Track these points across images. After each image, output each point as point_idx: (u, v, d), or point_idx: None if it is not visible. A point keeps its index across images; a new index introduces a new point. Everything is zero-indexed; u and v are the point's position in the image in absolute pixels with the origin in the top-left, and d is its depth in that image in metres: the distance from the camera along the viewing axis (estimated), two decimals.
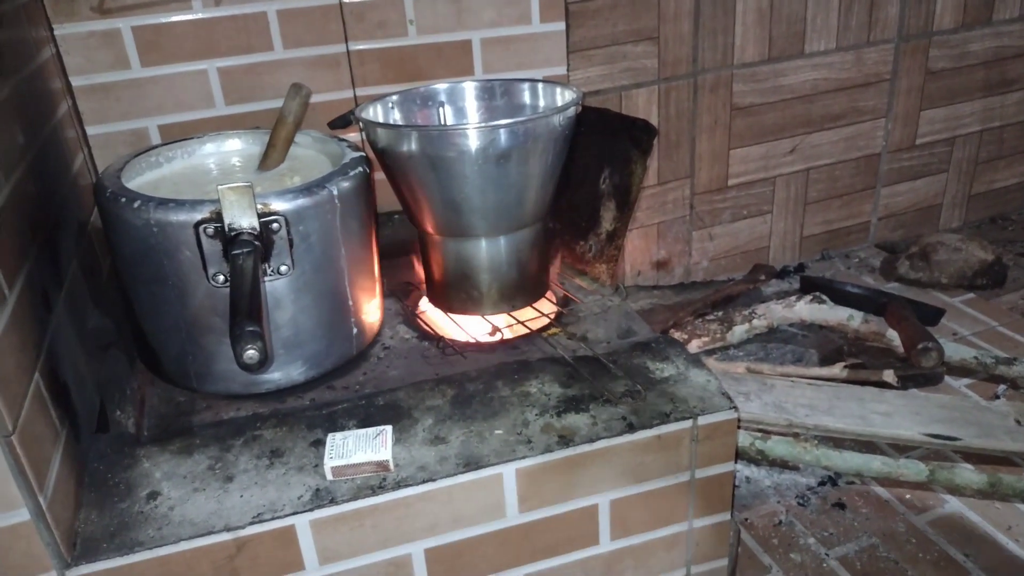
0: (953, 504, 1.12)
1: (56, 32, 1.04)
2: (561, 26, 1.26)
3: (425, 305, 1.08)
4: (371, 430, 0.80)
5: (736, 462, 0.89)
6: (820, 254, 1.75)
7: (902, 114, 1.66)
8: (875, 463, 1.09)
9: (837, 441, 1.16)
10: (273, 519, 0.74)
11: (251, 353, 0.60)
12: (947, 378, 1.34)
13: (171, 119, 1.13)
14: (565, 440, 0.81)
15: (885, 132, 1.67)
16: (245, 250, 0.73)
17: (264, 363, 0.60)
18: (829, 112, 1.59)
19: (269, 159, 0.96)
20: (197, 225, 0.75)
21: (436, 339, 1.01)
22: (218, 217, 0.75)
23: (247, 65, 1.13)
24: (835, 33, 1.52)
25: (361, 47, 1.18)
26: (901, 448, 1.18)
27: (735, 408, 0.85)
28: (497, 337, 1.01)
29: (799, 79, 1.54)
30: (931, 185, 1.78)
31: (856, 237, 1.77)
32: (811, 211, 1.69)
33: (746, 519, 1.11)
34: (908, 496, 1.13)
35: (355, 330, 0.92)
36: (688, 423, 0.84)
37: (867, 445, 1.17)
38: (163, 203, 0.77)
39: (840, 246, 1.76)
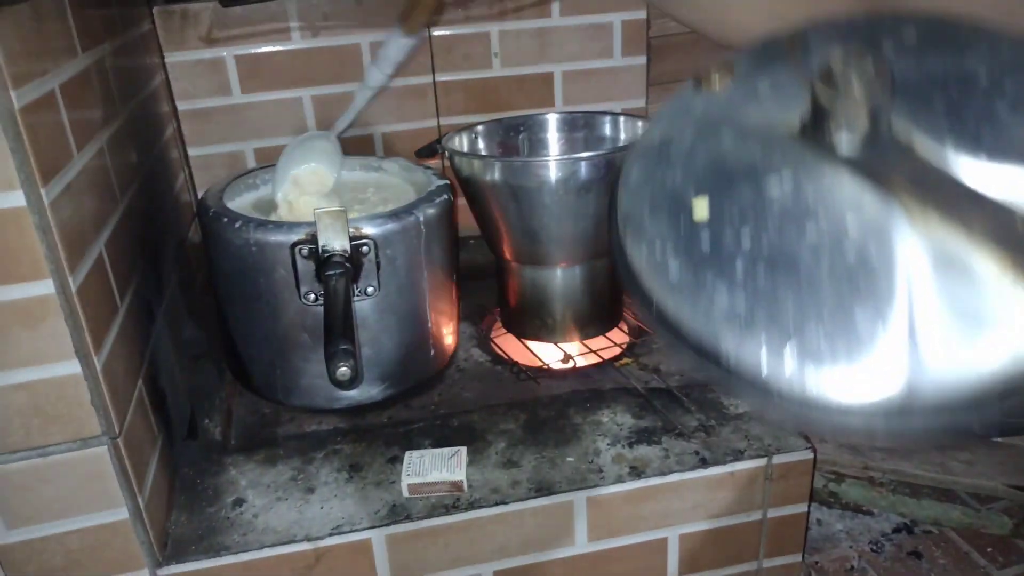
0: None
1: (167, 60, 1.11)
2: (642, 60, 1.28)
3: (499, 330, 1.10)
4: (446, 450, 0.82)
5: (810, 504, 0.88)
6: None
7: None
8: (955, 512, 1.06)
9: (914, 488, 1.13)
10: (351, 532, 0.76)
11: (343, 370, 0.63)
12: None
13: (266, 143, 1.19)
14: (637, 471, 0.82)
15: None
16: (338, 271, 0.76)
17: (355, 380, 0.63)
18: None
19: (413, 21, 0.97)
20: (293, 246, 0.79)
21: (509, 364, 1.03)
22: (313, 239, 0.79)
23: (339, 94, 1.18)
24: None
25: (447, 78, 1.22)
26: (983, 499, 1.14)
27: (812, 448, 0.84)
28: (570, 365, 1.02)
29: None
30: None
31: None
32: None
33: (816, 562, 1.09)
34: (989, 549, 1.09)
35: (432, 351, 0.95)
36: (762, 461, 0.83)
37: (946, 493, 1.14)
38: (262, 224, 0.81)
39: None
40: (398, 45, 0.95)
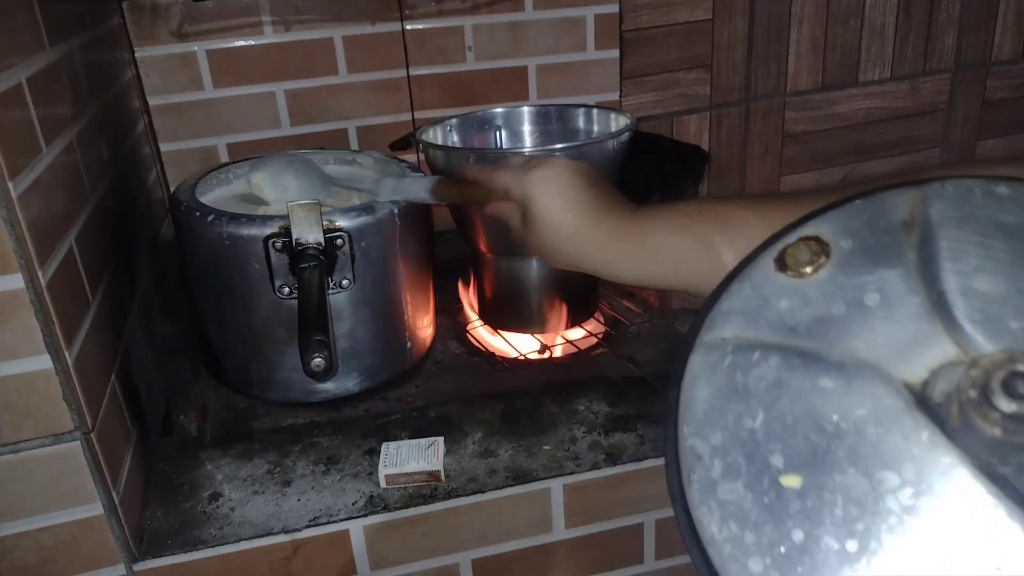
0: None
1: (137, 54, 1.10)
2: (615, 53, 1.29)
3: (475, 322, 1.11)
4: (423, 441, 0.83)
5: None
6: None
7: (958, 143, 1.64)
8: None
9: None
10: (329, 523, 0.76)
11: (318, 361, 0.63)
12: None
13: (239, 138, 1.19)
14: (612, 458, 0.83)
15: (940, 161, 1.65)
16: (312, 264, 0.76)
17: (330, 371, 0.63)
18: (883, 141, 1.59)
19: (447, 193, 0.87)
20: (267, 239, 0.79)
21: (486, 355, 1.03)
22: (286, 232, 0.79)
23: (312, 88, 1.18)
24: (890, 63, 1.52)
25: (421, 72, 1.22)
26: None
27: None
28: (546, 355, 1.03)
29: (852, 107, 1.54)
30: None
31: None
32: None
33: None
34: None
35: (409, 344, 0.95)
36: None
37: None
38: (235, 218, 0.81)
39: None
40: (414, 193, 0.83)
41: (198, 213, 0.83)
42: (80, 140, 0.77)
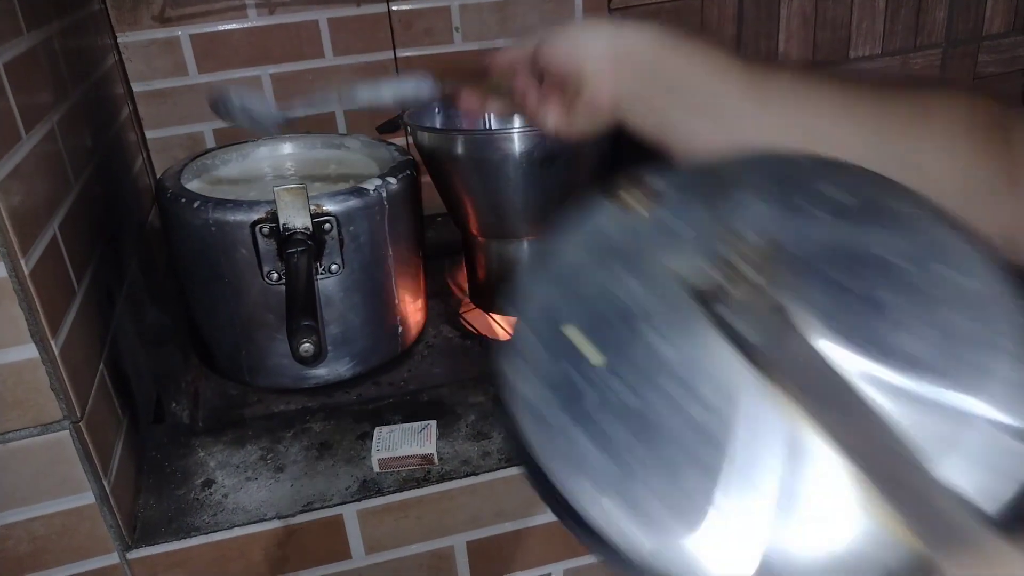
0: None
1: (119, 40, 1.09)
2: None
3: (467, 305, 1.10)
4: (416, 424, 0.83)
5: None
6: None
7: None
8: None
9: None
10: (322, 508, 0.76)
11: (307, 346, 0.62)
12: None
13: (225, 124, 1.17)
14: None
15: None
16: (299, 248, 0.76)
17: (319, 356, 0.63)
18: None
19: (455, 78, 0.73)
20: (254, 225, 0.78)
21: (478, 338, 1.03)
22: (273, 217, 0.78)
23: (298, 72, 1.17)
24: (881, 38, 1.51)
25: (408, 54, 1.21)
26: None
27: None
28: None
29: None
30: None
31: None
32: None
33: None
34: None
35: (400, 328, 0.95)
36: None
37: None
38: (221, 203, 0.80)
39: None
40: (411, 91, 0.67)
41: (184, 200, 0.83)
42: (62, 127, 0.76)
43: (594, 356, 0.34)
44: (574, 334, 0.35)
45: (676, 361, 0.33)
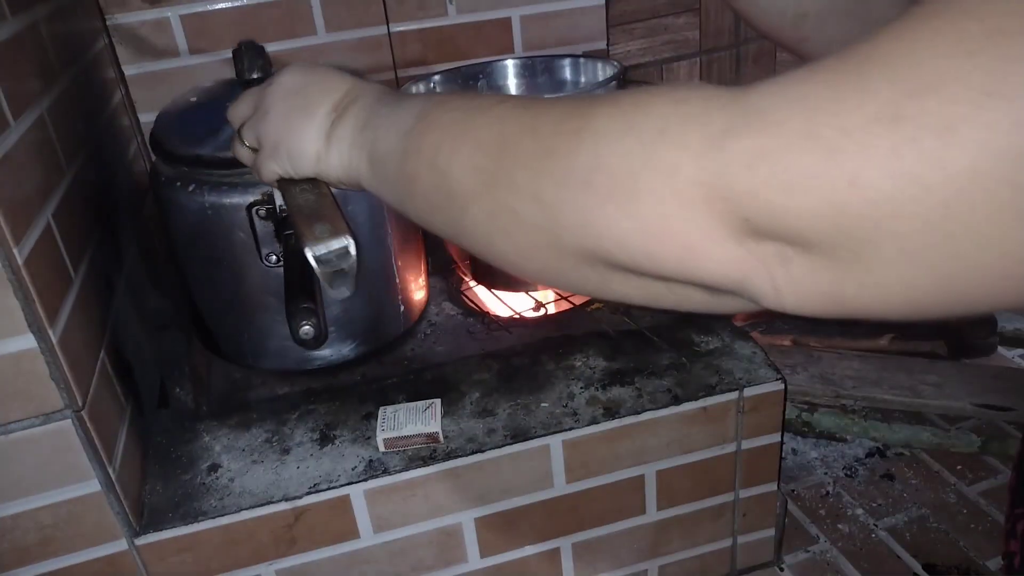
0: (1006, 475, 1.10)
1: (108, 22, 1.07)
2: (602, 0, 1.25)
3: (469, 282, 1.10)
4: (421, 403, 0.82)
5: (783, 433, 0.89)
6: None
7: None
8: (925, 434, 1.08)
9: (886, 413, 1.15)
10: (329, 489, 0.76)
11: (307, 329, 0.62)
12: (1000, 349, 1.32)
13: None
14: (611, 412, 0.82)
15: None
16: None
17: (319, 339, 0.62)
18: None
19: None
20: (250, 207, 0.78)
21: (481, 315, 1.02)
22: (269, 199, 0.77)
23: (291, 50, 1.15)
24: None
25: (402, 28, 1.19)
26: (951, 419, 1.17)
27: (782, 379, 0.85)
28: (541, 312, 1.02)
29: None
30: None
31: None
32: None
33: (793, 490, 1.12)
34: (959, 467, 1.12)
35: (402, 307, 0.94)
36: (734, 395, 0.84)
37: (916, 416, 1.16)
38: (216, 186, 0.79)
39: None
40: None
41: (179, 183, 0.82)
42: (52, 114, 0.75)
43: None
44: None
45: None
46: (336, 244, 0.55)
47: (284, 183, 0.59)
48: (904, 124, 0.24)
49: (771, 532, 0.96)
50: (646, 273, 0.33)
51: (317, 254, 0.55)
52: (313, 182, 0.59)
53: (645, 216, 0.31)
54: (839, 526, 1.05)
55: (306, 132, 0.52)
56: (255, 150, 0.58)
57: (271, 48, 1.14)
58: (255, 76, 0.80)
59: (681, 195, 0.29)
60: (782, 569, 0.99)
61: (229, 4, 1.11)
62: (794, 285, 0.28)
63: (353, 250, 0.56)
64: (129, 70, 1.10)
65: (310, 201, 0.58)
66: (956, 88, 0.23)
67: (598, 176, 0.32)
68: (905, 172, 0.24)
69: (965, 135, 0.23)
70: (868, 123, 0.24)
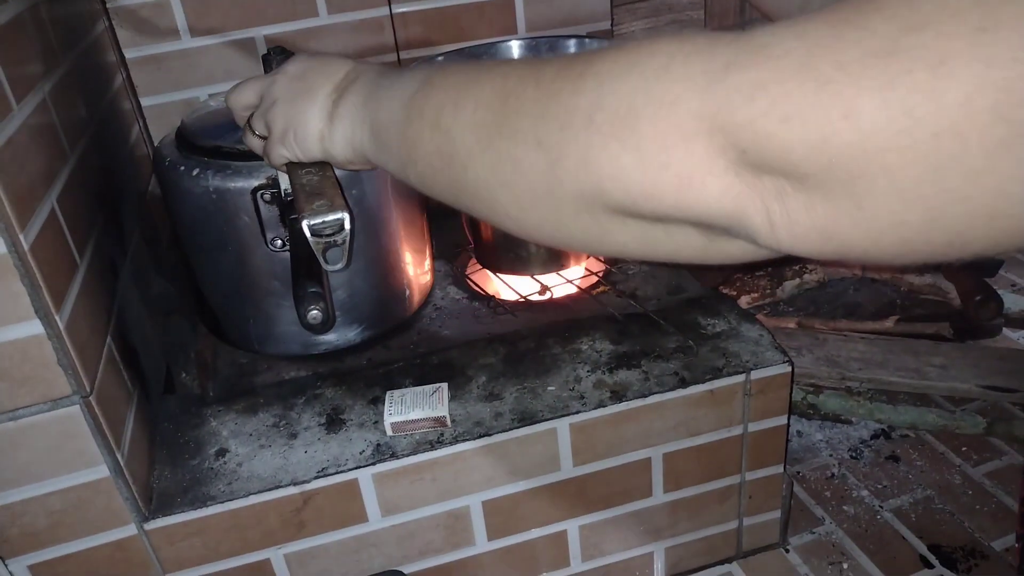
0: (1012, 455, 1.11)
1: (108, 5, 1.06)
2: None
3: (474, 266, 1.09)
4: (428, 387, 0.82)
5: (789, 416, 0.89)
6: None
7: None
8: (930, 416, 1.08)
9: (891, 394, 1.15)
10: (337, 473, 0.76)
11: (315, 313, 0.61)
12: (1005, 330, 1.32)
13: (221, 87, 1.15)
14: (618, 395, 0.82)
15: None
16: None
17: (327, 323, 0.62)
18: None
19: None
20: (255, 191, 0.77)
21: (486, 299, 1.02)
22: (274, 183, 0.76)
23: (293, 32, 1.14)
24: None
25: (404, 9, 1.17)
26: (957, 401, 1.17)
27: (789, 361, 0.85)
28: (547, 296, 1.01)
29: None
30: None
31: None
32: None
33: (798, 472, 1.12)
34: (964, 448, 1.12)
35: (408, 291, 0.94)
36: (740, 377, 0.84)
37: (921, 398, 1.16)
38: (221, 170, 0.79)
39: None
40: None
41: (183, 168, 0.81)
42: (54, 97, 0.74)
43: None
44: None
45: None
46: (332, 217, 0.57)
47: (292, 167, 0.60)
48: (898, 58, 0.24)
49: (777, 514, 0.96)
50: (644, 215, 0.33)
51: (312, 224, 0.57)
52: (319, 165, 0.59)
53: (645, 149, 0.31)
54: (844, 508, 1.05)
55: (310, 113, 0.54)
56: (264, 138, 0.60)
57: (273, 30, 1.14)
58: None
59: (682, 127, 0.30)
60: (788, 551, 0.99)
61: None
62: (789, 221, 0.29)
63: (348, 224, 0.58)
64: (130, 53, 1.09)
65: (313, 181, 0.59)
66: (952, 24, 0.23)
67: (600, 114, 0.32)
68: (897, 104, 0.24)
69: (959, 69, 0.23)
70: (864, 57, 0.25)
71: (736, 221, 0.30)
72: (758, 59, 0.28)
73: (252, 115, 0.61)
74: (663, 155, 0.30)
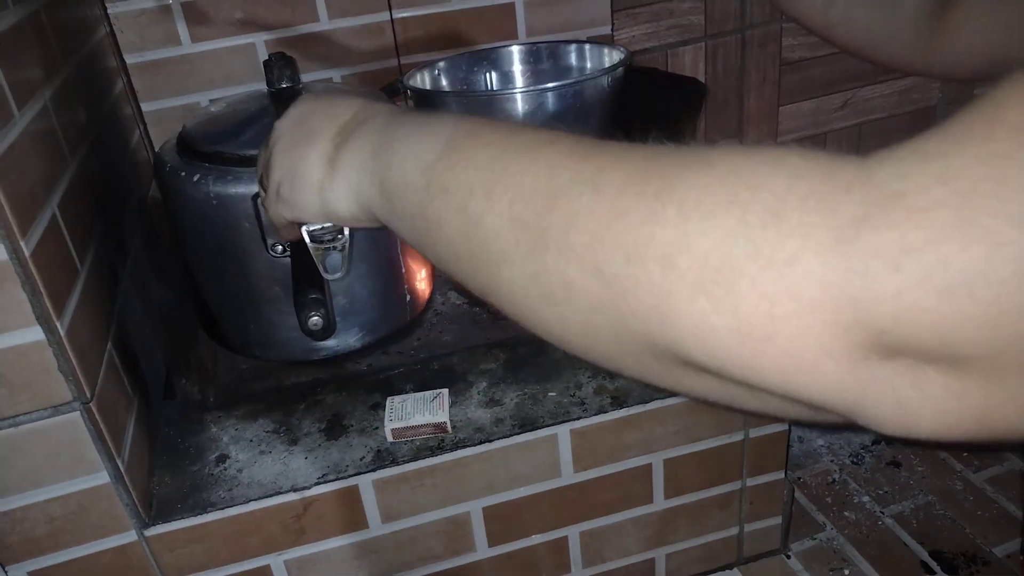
0: (1013, 461, 1.10)
1: (109, 10, 1.06)
2: None
3: None
4: (428, 393, 0.82)
5: (790, 423, 0.89)
6: None
7: None
8: None
9: None
10: (337, 479, 0.76)
11: (315, 319, 0.61)
12: None
13: (221, 93, 1.15)
14: (618, 401, 0.82)
15: (941, 84, 1.61)
16: None
17: (328, 329, 0.62)
18: None
19: None
20: (255, 197, 0.77)
21: (487, 305, 1.02)
22: None
23: (293, 37, 1.14)
24: None
25: (404, 14, 1.18)
26: None
27: None
28: None
29: None
30: None
31: None
32: None
33: (799, 478, 1.12)
34: (965, 454, 1.12)
35: (408, 297, 0.94)
36: None
37: None
38: (221, 176, 0.79)
39: None
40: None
41: (183, 173, 0.81)
42: (55, 103, 0.74)
43: None
44: None
45: None
46: (330, 223, 0.56)
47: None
48: None
49: (778, 520, 0.96)
50: (732, 379, 0.27)
51: (311, 230, 0.56)
52: None
53: (745, 315, 0.25)
54: (845, 514, 1.05)
55: (309, 159, 0.46)
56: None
57: (274, 36, 1.14)
58: (284, 85, 0.81)
59: (797, 294, 0.24)
60: (789, 557, 0.99)
61: None
62: (933, 409, 0.23)
63: (347, 231, 0.57)
64: (131, 58, 1.10)
65: None
66: None
67: (684, 258, 0.26)
68: None
69: None
70: None
71: (851, 408, 0.25)
72: (898, 213, 0.22)
73: (262, 173, 0.54)
74: (768, 326, 0.24)
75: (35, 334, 0.61)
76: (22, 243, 0.59)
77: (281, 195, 0.49)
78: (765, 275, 0.24)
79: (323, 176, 0.45)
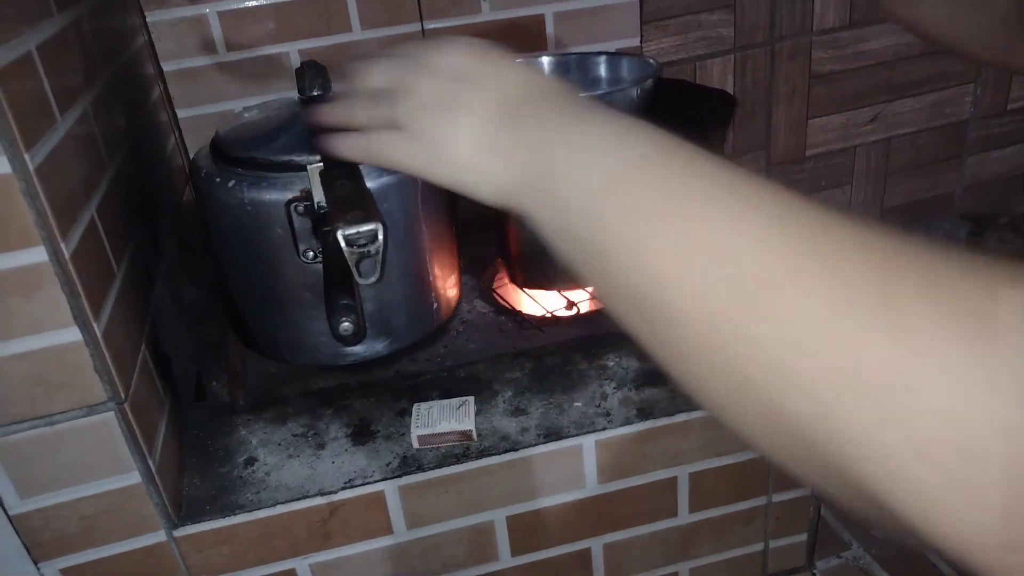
0: None
1: (148, 19, 1.08)
2: None
3: (500, 280, 1.10)
4: (454, 400, 0.83)
5: None
6: (901, 226, 1.69)
7: (992, 79, 1.58)
8: None
9: None
10: (364, 484, 0.77)
11: (346, 325, 0.62)
12: None
13: (256, 101, 1.17)
14: (644, 413, 0.82)
15: (974, 98, 1.60)
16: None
17: (359, 335, 0.62)
18: (913, 78, 1.53)
19: None
20: (288, 203, 0.78)
21: (513, 313, 1.02)
22: (308, 195, 0.77)
23: (326, 47, 1.16)
24: None
25: (436, 25, 1.19)
26: None
27: None
28: (573, 311, 1.01)
29: (881, 45, 1.48)
30: (1023, 153, 1.70)
31: (940, 208, 1.71)
32: (892, 181, 1.64)
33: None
34: None
35: (435, 304, 0.94)
36: None
37: None
38: (256, 182, 0.80)
39: (923, 218, 1.70)
40: None
41: (218, 179, 0.82)
42: (95, 108, 0.76)
43: None
44: None
45: None
46: (366, 227, 0.57)
47: (326, 175, 0.61)
48: None
49: (804, 537, 0.95)
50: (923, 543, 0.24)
51: (347, 234, 0.57)
52: (353, 175, 0.60)
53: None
54: (873, 532, 1.03)
55: (457, 126, 0.41)
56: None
57: (306, 45, 1.15)
58: (315, 93, 0.82)
59: None
60: (814, 574, 0.98)
61: (265, 1, 1.12)
62: None
63: (381, 234, 0.58)
64: (168, 66, 1.12)
65: (347, 192, 0.59)
66: None
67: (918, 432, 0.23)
68: None
69: None
70: None
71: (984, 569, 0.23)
72: None
73: (373, 92, 0.48)
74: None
75: (72, 334, 0.62)
76: (62, 244, 0.60)
77: (414, 145, 0.44)
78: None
79: (471, 151, 0.41)
